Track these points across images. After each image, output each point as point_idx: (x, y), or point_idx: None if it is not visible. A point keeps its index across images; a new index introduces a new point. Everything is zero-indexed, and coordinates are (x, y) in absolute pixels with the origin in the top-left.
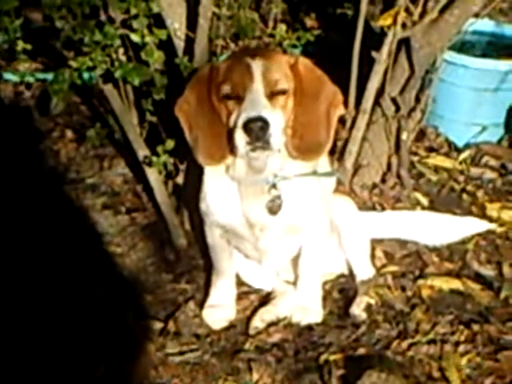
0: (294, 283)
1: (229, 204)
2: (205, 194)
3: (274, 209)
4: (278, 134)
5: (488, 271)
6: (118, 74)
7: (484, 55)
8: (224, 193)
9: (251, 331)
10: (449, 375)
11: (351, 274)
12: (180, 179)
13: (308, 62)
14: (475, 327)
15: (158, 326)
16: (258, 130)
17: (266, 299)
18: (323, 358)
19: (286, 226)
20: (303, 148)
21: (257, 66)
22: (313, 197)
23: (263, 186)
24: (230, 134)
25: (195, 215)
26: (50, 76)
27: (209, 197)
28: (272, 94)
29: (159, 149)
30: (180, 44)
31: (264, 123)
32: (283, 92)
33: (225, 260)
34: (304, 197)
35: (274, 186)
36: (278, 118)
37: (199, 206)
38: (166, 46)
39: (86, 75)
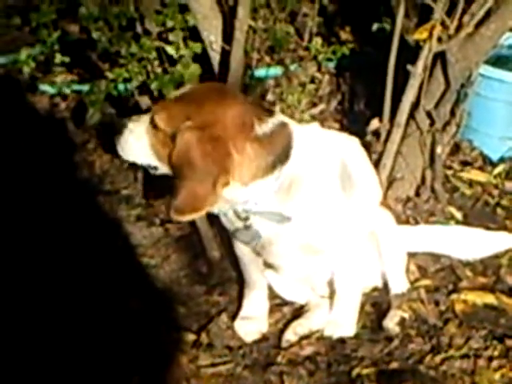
0: (330, 297)
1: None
2: None
3: (239, 237)
4: (130, 145)
5: None
6: (154, 85)
7: None
8: None
9: (284, 344)
10: None
11: (385, 288)
12: None
13: (201, 138)
14: (509, 342)
15: (191, 337)
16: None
17: (298, 312)
18: (356, 371)
19: (300, 246)
20: (175, 204)
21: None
22: (325, 222)
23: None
24: None
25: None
26: (86, 87)
27: None
28: (151, 121)
29: None
30: (216, 57)
31: (119, 125)
32: (157, 127)
33: (254, 271)
34: (314, 223)
35: (245, 218)
36: (141, 138)
37: None
38: (202, 58)
39: (121, 86)
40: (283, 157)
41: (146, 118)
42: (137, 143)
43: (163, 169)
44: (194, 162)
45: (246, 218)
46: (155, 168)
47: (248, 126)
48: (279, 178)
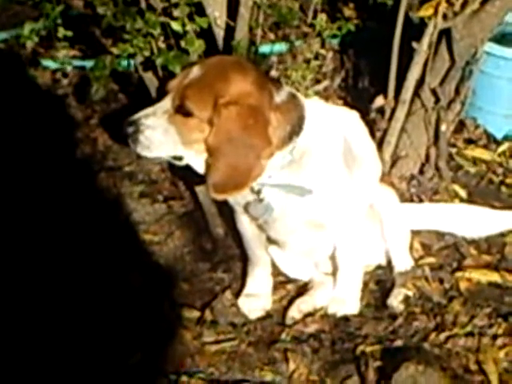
0: (333, 274)
1: None
2: None
3: (251, 211)
4: (154, 141)
5: None
6: (158, 61)
7: None
8: None
9: (288, 321)
10: (486, 368)
11: (389, 265)
12: None
13: (239, 111)
14: None
15: (195, 314)
16: (125, 127)
17: (302, 289)
18: (360, 349)
19: (305, 220)
20: (216, 183)
21: (191, 74)
22: (331, 196)
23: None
24: None
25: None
26: (88, 63)
27: None
28: (179, 109)
29: None
30: (220, 33)
31: (131, 125)
32: (189, 114)
33: (257, 248)
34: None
35: (258, 191)
36: (167, 130)
37: None
38: (206, 34)
39: (124, 62)
40: (298, 127)
41: (163, 109)
42: (162, 137)
43: (189, 157)
44: (236, 138)
45: (259, 191)
46: (180, 158)
47: (270, 95)
48: (293, 150)
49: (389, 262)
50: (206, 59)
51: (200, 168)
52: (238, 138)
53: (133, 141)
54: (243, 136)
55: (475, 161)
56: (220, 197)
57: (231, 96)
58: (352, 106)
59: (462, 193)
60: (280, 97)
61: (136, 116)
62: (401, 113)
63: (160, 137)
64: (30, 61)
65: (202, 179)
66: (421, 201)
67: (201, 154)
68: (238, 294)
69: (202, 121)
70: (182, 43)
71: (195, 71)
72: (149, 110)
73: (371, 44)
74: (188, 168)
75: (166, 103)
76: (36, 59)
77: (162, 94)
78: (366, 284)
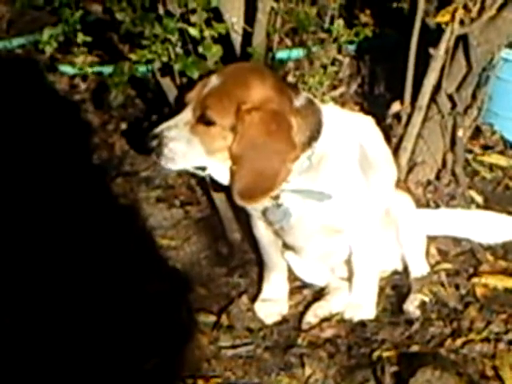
0: (349, 279)
1: None
2: None
3: (269, 216)
4: (178, 153)
5: None
6: (176, 67)
7: None
8: None
9: (304, 326)
10: (502, 374)
11: (405, 271)
12: None
13: (262, 117)
14: None
15: (211, 319)
16: (148, 141)
17: (319, 294)
18: (376, 354)
19: (322, 226)
20: (242, 190)
21: (209, 84)
22: (348, 202)
23: None
24: None
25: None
26: (106, 69)
27: None
28: (200, 119)
29: None
30: (237, 38)
31: (154, 139)
32: (211, 123)
33: (273, 253)
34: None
35: (276, 196)
36: (190, 141)
37: None
38: (224, 40)
39: (142, 68)
40: (316, 133)
41: (184, 121)
42: (186, 148)
43: (213, 167)
44: (261, 143)
45: (277, 197)
46: (203, 169)
47: (290, 99)
48: (312, 156)
49: (405, 268)
50: (223, 68)
51: (223, 179)
52: (262, 144)
53: (157, 154)
54: (268, 141)
55: (492, 167)
56: (247, 203)
57: (253, 102)
58: (368, 112)
59: (479, 199)
60: (299, 101)
61: (158, 129)
62: (417, 118)
63: (183, 148)
64: (47, 66)
65: (219, 185)
66: (437, 206)
67: (224, 162)
68: (254, 299)
69: (224, 128)
70: (200, 49)
71: (213, 80)
72: (170, 123)
73: (388, 50)
74: None
75: (187, 114)
76: (53, 65)
77: (180, 106)
78: (382, 289)
